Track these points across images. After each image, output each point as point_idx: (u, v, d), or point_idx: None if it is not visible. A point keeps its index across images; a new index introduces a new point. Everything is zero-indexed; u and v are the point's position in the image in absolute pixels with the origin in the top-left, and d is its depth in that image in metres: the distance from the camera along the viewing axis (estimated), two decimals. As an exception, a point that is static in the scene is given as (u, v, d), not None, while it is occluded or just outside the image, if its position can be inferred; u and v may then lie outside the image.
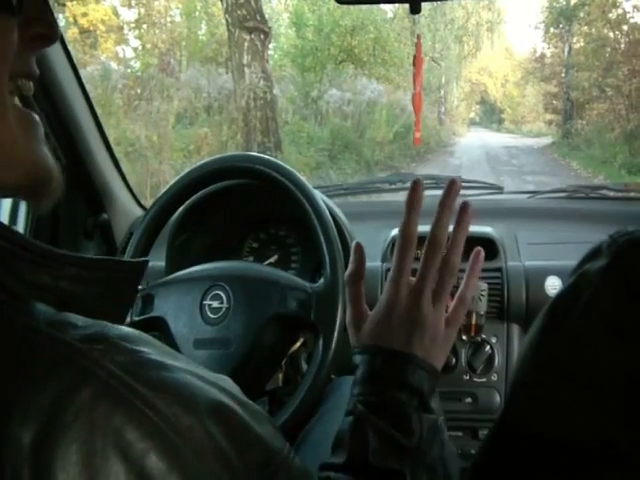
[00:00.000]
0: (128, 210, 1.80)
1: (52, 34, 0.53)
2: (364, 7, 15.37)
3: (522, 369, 0.51)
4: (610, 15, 16.98)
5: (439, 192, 2.15)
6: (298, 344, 1.23)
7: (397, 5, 16.15)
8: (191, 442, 0.41)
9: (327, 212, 1.17)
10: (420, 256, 1.53)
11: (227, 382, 0.48)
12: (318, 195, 1.19)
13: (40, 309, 0.44)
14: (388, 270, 1.45)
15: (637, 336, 0.43)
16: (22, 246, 0.47)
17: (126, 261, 0.57)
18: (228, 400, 0.45)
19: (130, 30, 15.33)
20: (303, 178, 1.20)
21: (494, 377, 1.37)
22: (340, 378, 1.26)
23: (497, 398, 1.36)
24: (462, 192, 2.00)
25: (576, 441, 0.45)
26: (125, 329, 0.45)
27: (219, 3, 10.50)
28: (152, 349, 0.44)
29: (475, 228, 1.57)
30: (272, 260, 1.52)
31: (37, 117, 0.53)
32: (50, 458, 0.37)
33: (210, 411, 0.43)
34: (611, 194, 1.86)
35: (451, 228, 1.56)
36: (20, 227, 1.48)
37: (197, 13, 15.08)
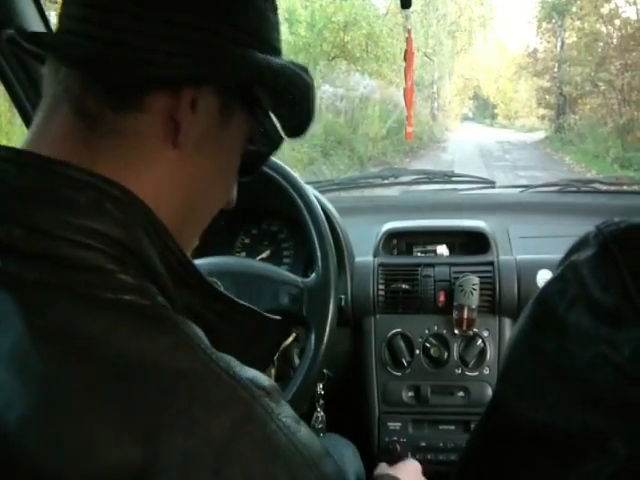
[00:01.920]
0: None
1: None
2: (356, 2, 15.34)
3: (510, 360, 0.51)
4: (602, 10, 17.02)
5: (431, 187, 2.17)
6: (290, 339, 1.23)
7: (389, 0, 16.10)
8: None
9: (319, 207, 1.17)
10: (414, 251, 1.53)
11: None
12: (310, 190, 1.20)
13: (199, 332, 0.47)
14: (380, 265, 1.45)
15: (623, 327, 0.43)
16: (185, 267, 0.51)
17: (264, 315, 0.62)
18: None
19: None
20: (295, 173, 1.20)
21: (486, 371, 1.37)
22: (327, 437, 1.30)
23: (489, 391, 1.36)
24: (454, 187, 2.02)
25: (562, 432, 0.45)
26: (266, 377, 0.49)
27: None
28: (286, 403, 0.49)
29: (467, 222, 1.57)
30: (264, 255, 1.52)
31: None
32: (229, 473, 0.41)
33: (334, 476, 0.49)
34: (603, 188, 1.87)
35: (447, 222, 1.58)
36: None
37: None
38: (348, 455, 1.25)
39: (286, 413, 0.46)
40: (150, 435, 0.39)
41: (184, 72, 0.50)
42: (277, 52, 0.57)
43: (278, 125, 0.60)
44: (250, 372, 0.47)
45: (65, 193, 0.46)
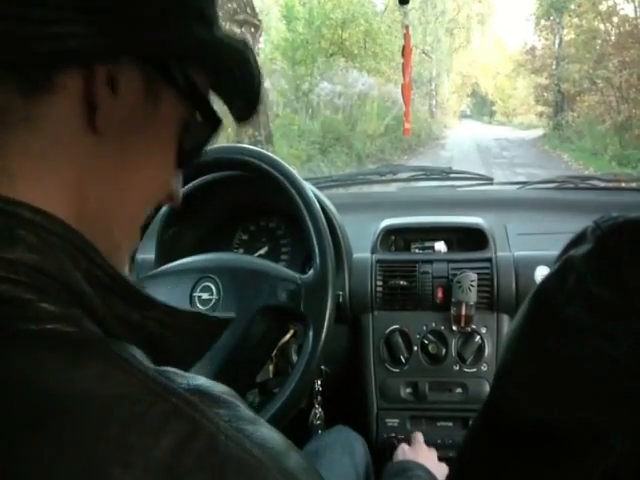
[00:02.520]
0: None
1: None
2: (355, -1, 15.36)
3: (508, 355, 0.51)
4: (600, 7, 17.03)
5: (429, 183, 2.17)
6: (288, 335, 1.23)
7: (387, -3, 16.09)
8: None
9: (317, 204, 1.17)
10: (412, 247, 1.53)
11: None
12: (308, 186, 1.19)
13: (137, 351, 0.44)
14: (378, 261, 1.45)
15: (621, 321, 0.43)
16: (116, 280, 0.47)
17: (211, 316, 0.59)
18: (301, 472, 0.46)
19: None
20: (293, 169, 1.20)
21: (484, 367, 1.37)
22: (338, 429, 1.31)
23: (487, 388, 1.36)
24: (452, 183, 2.01)
25: (561, 427, 0.45)
26: (215, 383, 0.45)
27: (209, -4, 10.44)
28: (242, 404, 0.44)
29: (465, 219, 1.57)
30: (262, 252, 1.52)
31: None
32: None
33: (299, 470, 0.44)
34: (601, 184, 1.86)
35: (445, 219, 1.58)
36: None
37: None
38: (358, 448, 1.25)
39: (239, 415, 0.42)
40: (83, 472, 0.36)
41: (92, 44, 0.43)
42: (209, 22, 0.48)
43: (221, 107, 0.55)
44: (195, 381, 0.43)
45: None
